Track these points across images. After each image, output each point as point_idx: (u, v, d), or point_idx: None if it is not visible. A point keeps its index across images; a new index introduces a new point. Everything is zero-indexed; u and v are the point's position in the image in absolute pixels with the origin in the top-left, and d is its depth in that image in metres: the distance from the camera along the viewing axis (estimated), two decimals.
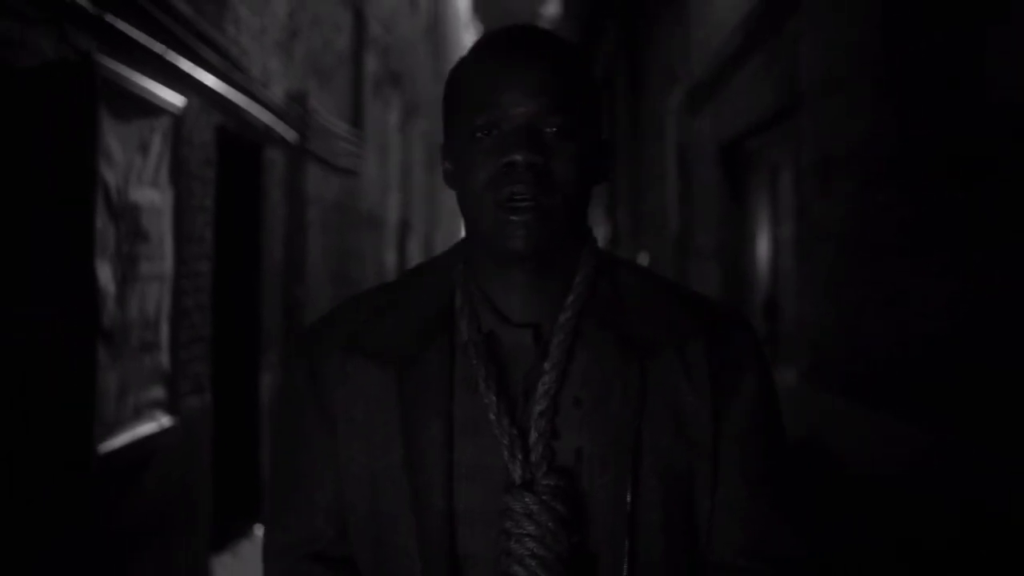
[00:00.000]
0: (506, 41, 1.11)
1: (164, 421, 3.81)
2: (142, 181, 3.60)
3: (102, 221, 3.22)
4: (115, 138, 3.33)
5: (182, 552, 4.27)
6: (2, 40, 2.68)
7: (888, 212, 3.88)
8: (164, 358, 3.84)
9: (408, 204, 12.67)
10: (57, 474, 3.03)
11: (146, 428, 3.64)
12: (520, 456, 1.05)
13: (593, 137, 1.10)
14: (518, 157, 1.03)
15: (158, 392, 3.79)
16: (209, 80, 4.43)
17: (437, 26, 17.73)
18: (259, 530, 5.53)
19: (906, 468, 3.74)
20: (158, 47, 3.76)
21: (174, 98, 3.89)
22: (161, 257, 3.80)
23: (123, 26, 3.41)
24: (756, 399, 1.11)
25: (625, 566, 1.04)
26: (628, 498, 1.04)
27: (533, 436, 1.06)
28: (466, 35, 29.68)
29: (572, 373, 1.08)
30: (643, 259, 11.22)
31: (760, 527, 1.09)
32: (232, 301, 5.19)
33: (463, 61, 1.14)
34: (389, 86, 10.83)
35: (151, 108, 3.67)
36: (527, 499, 1.03)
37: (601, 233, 17.36)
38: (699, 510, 1.08)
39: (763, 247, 6.40)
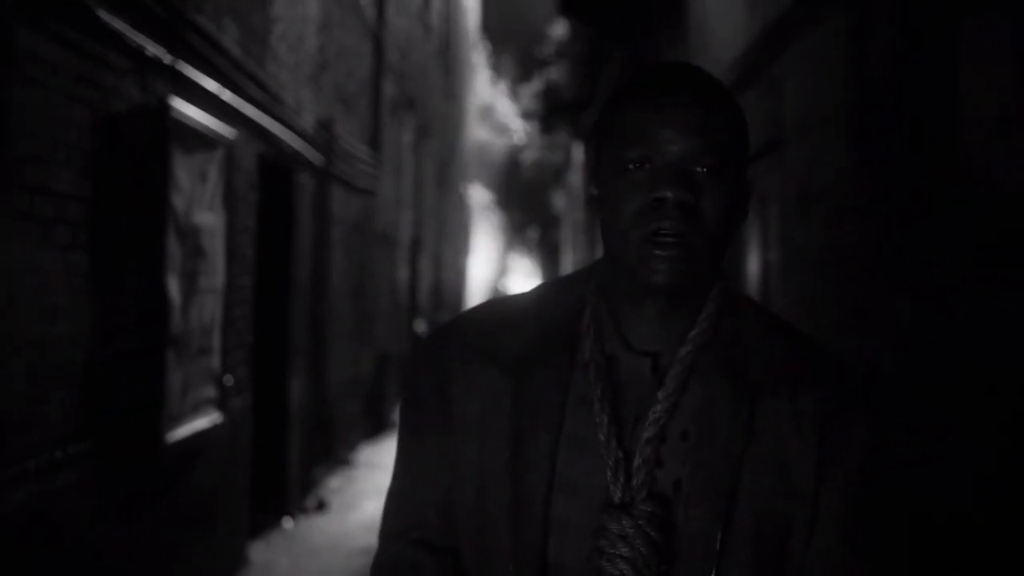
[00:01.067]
0: (665, 78, 1.13)
1: (215, 417, 4.31)
2: (202, 205, 4.10)
3: (171, 242, 3.73)
4: (183, 169, 3.84)
5: (225, 536, 4.76)
6: (103, 89, 3.19)
7: (857, 239, 4.38)
8: (216, 361, 4.34)
9: (419, 222, 13.18)
10: (132, 457, 3.52)
11: (201, 423, 4.13)
12: (622, 478, 1.07)
13: (740, 179, 1.12)
14: (669, 194, 1.05)
15: (210, 392, 4.29)
16: (253, 113, 4.94)
17: (448, 48, 18.28)
18: (288, 523, 6.01)
19: None
20: (215, 87, 4.27)
21: (226, 131, 4.39)
22: (215, 273, 4.30)
23: (190, 71, 3.93)
24: (865, 456, 1.10)
25: None
26: (719, 535, 1.05)
27: (637, 461, 1.08)
28: (474, 54, 30.19)
29: (683, 406, 1.10)
30: None
31: None
32: (267, 313, 5.68)
33: (621, 91, 1.15)
34: (404, 109, 11.36)
35: (209, 141, 4.17)
36: (624, 521, 1.06)
37: None
38: (794, 559, 1.09)
39: (754, 268, 6.90)
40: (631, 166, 1.08)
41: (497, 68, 34.49)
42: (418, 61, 12.91)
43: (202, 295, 4.12)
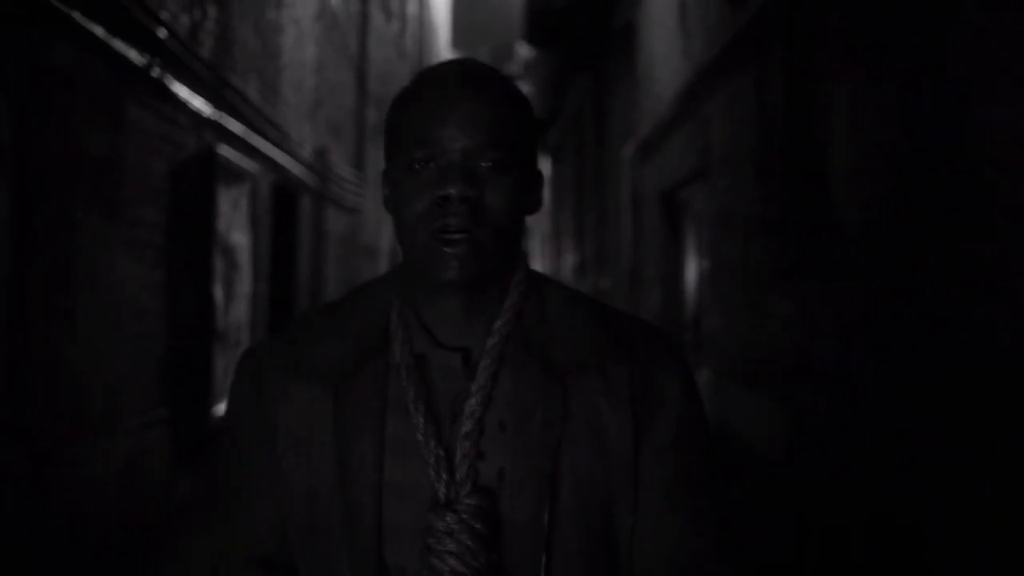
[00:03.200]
0: (445, 76, 1.12)
1: None
2: (235, 228, 5.11)
3: (216, 259, 4.74)
4: (223, 199, 4.85)
5: None
6: (174, 143, 4.20)
7: (762, 254, 5.46)
8: None
9: None
10: (190, 424, 4.52)
11: None
12: (445, 476, 1.08)
13: (527, 170, 1.13)
14: (452, 191, 1.06)
15: None
16: (269, 150, 5.95)
17: (420, 68, 19.29)
18: None
19: (775, 436, 5.28)
20: (244, 131, 5.28)
21: (252, 167, 5.40)
22: (244, 281, 5.31)
23: (228, 121, 4.94)
24: (678, 419, 1.13)
25: None
26: (545, 518, 1.07)
27: (458, 457, 1.09)
28: None
29: (498, 396, 1.11)
30: (605, 284, 12.81)
31: (683, 545, 1.12)
32: (275, 315, 6.68)
33: (405, 92, 1.15)
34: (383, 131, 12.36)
35: (241, 176, 5.18)
36: (448, 518, 1.07)
37: (570, 261, 18.92)
38: (621, 529, 1.11)
39: (691, 276, 7.98)
40: (417, 166, 1.09)
41: None
42: (396, 85, 13.93)
43: (236, 300, 5.12)
